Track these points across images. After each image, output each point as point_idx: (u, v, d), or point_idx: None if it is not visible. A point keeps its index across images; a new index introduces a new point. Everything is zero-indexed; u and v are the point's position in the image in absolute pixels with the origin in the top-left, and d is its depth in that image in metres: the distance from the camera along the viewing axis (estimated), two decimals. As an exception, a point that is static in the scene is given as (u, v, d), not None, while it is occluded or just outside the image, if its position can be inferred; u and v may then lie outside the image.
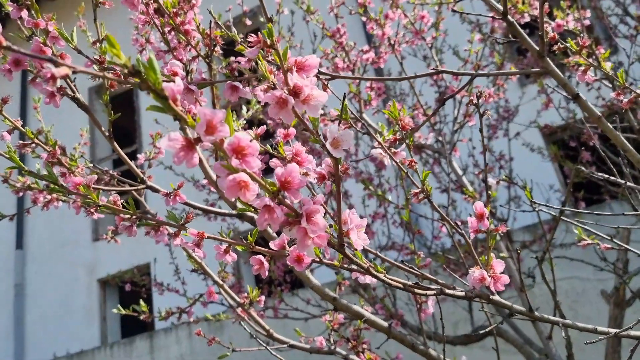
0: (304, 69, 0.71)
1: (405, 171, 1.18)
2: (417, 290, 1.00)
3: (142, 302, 2.04)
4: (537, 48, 1.14)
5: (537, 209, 1.44)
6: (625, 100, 1.11)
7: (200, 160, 1.54)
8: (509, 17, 1.13)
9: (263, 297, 1.71)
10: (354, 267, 1.09)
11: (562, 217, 1.41)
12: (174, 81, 0.61)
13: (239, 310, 1.87)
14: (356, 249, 0.85)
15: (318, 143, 0.75)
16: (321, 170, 0.80)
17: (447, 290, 1.07)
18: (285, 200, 0.71)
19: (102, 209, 1.03)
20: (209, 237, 1.02)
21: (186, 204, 1.37)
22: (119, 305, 2.01)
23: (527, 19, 1.86)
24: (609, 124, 1.14)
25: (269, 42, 0.69)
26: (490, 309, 2.99)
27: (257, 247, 1.00)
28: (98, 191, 1.05)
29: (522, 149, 4.43)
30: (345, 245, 0.85)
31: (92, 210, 1.09)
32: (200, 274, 3.87)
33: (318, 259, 1.02)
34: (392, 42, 2.40)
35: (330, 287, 2.08)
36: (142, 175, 1.37)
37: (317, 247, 0.74)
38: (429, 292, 1.02)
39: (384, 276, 0.96)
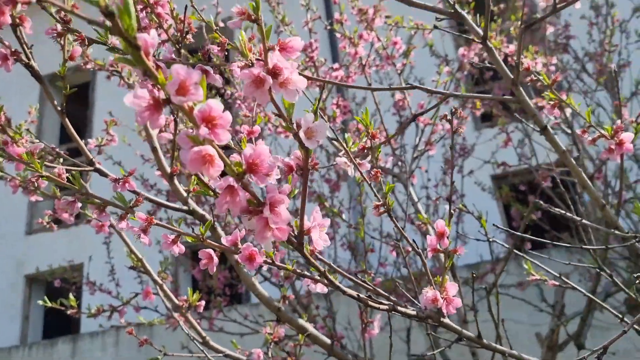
0: (287, 50, 0.68)
1: (369, 182, 1.15)
2: (370, 303, 0.97)
3: (71, 296, 1.91)
4: (512, 76, 1.15)
5: (491, 239, 1.44)
6: (590, 138, 1.13)
7: (155, 149, 1.47)
8: (488, 42, 1.14)
9: (203, 302, 1.64)
10: (307, 273, 1.05)
11: (514, 251, 1.41)
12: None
13: (176, 315, 1.78)
14: (315, 249, 0.81)
15: (290, 131, 0.71)
16: (289, 161, 0.76)
17: (399, 308, 1.04)
18: (250, 186, 0.66)
19: (44, 179, 0.95)
20: (158, 223, 0.96)
21: (135, 192, 1.29)
22: (45, 297, 1.87)
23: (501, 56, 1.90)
24: (572, 160, 1.16)
25: (253, 15, 0.65)
26: (439, 333, 2.99)
27: (208, 241, 0.94)
28: (42, 161, 0.97)
29: (473, 187, 4.53)
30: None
31: (32, 184, 1.01)
32: (136, 277, 3.71)
33: (270, 261, 0.98)
34: (364, 62, 2.40)
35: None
36: (90, 156, 1.28)
37: (277, 240, 0.69)
38: (382, 307, 0.99)
39: (339, 283, 0.93)
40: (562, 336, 3.01)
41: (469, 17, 1.15)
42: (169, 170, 1.43)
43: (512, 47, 1.93)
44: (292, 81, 0.68)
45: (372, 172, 1.16)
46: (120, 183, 1.25)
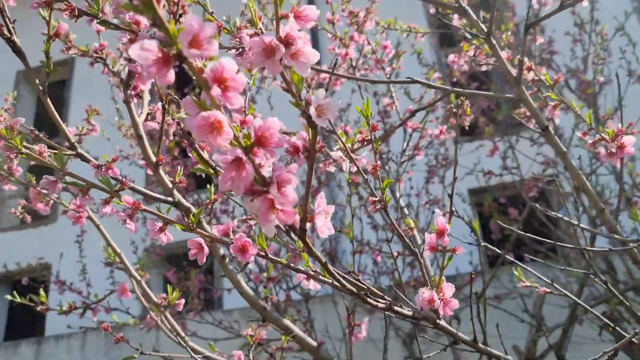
0: (301, 19, 0.63)
1: (366, 177, 1.11)
2: (369, 300, 0.92)
3: (41, 291, 1.82)
4: (514, 75, 1.13)
5: (482, 243, 1.42)
6: (590, 141, 1.11)
7: (141, 137, 1.41)
8: (492, 39, 1.11)
9: (183, 301, 1.57)
10: (300, 268, 1.00)
11: (506, 256, 1.39)
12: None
13: (153, 314, 1.70)
14: (320, 237, 0.77)
15: (299, 107, 0.66)
16: (296, 141, 0.71)
17: (395, 307, 1.00)
18: (256, 162, 0.61)
19: (24, 157, 0.89)
20: (145, 209, 0.90)
21: (118, 179, 1.23)
22: (14, 292, 1.78)
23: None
24: (572, 161, 1.15)
25: (267, -22, 0.61)
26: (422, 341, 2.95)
27: (199, 230, 0.88)
28: (22, 136, 0.90)
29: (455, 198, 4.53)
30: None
31: (9, 160, 0.94)
32: (108, 278, 3.59)
33: (264, 253, 0.92)
34: (354, 64, 2.37)
35: (250, 311, 1.95)
36: (72, 140, 1.22)
37: (282, 223, 0.64)
38: (379, 305, 0.94)
39: (325, 287, 0.88)
40: (539, 349, 3.01)
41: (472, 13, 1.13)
42: (153, 159, 1.37)
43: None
44: (304, 53, 0.63)
45: (371, 166, 1.13)
46: (102, 169, 1.18)
